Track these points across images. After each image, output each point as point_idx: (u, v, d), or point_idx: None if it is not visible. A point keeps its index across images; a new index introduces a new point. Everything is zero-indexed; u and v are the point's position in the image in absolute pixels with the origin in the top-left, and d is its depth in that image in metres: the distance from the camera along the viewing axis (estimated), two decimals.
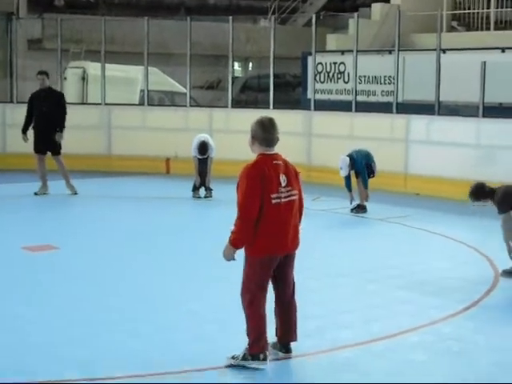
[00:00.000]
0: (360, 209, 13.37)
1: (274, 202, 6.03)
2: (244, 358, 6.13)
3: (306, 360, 6.41)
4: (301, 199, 6.34)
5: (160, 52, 21.31)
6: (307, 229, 11.53)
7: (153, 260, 9.74)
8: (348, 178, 13.34)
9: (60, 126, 14.52)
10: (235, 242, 6.03)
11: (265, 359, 6.12)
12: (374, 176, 13.39)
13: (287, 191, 6.12)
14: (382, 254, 10.61)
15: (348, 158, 13.20)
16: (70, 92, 20.57)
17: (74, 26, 22.04)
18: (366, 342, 6.84)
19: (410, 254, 10.66)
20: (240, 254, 6.15)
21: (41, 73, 14.82)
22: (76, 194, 14.62)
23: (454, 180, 14.65)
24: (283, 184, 6.10)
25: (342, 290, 8.63)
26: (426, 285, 8.89)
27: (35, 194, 14.48)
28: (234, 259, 6.11)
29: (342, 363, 6.36)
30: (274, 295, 6.36)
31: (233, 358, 6.17)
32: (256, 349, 6.11)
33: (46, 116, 14.47)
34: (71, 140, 16.57)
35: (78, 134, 17.61)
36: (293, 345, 6.47)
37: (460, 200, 12.73)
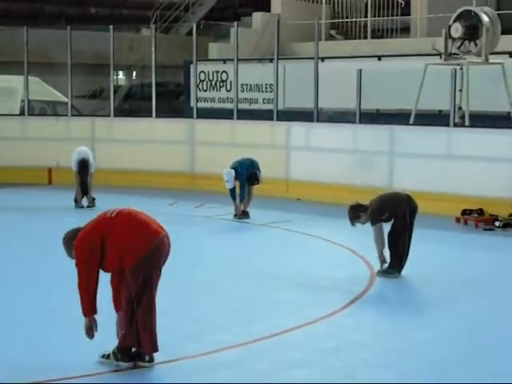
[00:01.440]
0: (243, 215, 13.57)
1: (113, 215, 6.33)
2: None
3: (186, 362, 6.50)
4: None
5: (41, 61, 21.08)
6: (191, 235, 11.76)
7: (33, 272, 9.67)
8: (233, 190, 13.52)
9: None
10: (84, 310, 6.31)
11: (151, 360, 6.31)
12: (258, 183, 13.60)
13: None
14: (262, 257, 10.82)
15: (233, 171, 13.37)
16: None
17: None
18: (246, 343, 6.99)
19: (291, 256, 10.90)
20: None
21: None
22: None
23: (333, 185, 15.03)
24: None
25: (221, 294, 8.76)
26: (304, 285, 9.13)
27: None
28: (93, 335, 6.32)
29: (221, 364, 6.49)
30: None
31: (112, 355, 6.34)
32: (145, 347, 6.32)
33: None
34: None
35: None
36: (173, 347, 6.58)
37: (339, 204, 13.09)
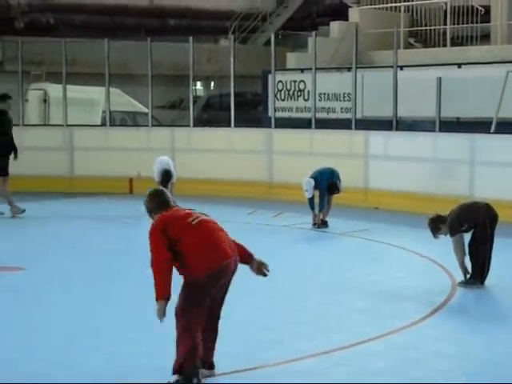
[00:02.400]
0: (322, 224, 13.55)
1: (194, 222, 6.16)
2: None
3: (267, 369, 6.53)
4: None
5: (121, 73, 21.42)
6: (270, 244, 11.79)
7: (115, 280, 9.82)
8: (312, 199, 13.52)
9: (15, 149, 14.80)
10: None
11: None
12: (339, 192, 13.56)
13: (201, 215, 6.31)
14: (342, 266, 10.80)
15: (313, 180, 13.36)
16: (32, 114, 20.63)
17: (35, 48, 22.07)
18: (325, 352, 6.98)
19: (369, 265, 10.86)
20: None
21: (8, 97, 15.09)
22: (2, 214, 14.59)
23: (412, 194, 14.92)
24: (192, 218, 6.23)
25: (300, 303, 8.78)
26: (384, 295, 9.09)
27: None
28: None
29: (301, 371, 6.50)
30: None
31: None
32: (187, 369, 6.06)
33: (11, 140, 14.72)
34: (33, 161, 16.70)
35: (40, 155, 17.69)
36: (253, 354, 6.61)
37: (418, 213, 13.00)
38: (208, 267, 6.03)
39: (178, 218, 6.20)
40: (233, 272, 6.18)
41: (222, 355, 6.38)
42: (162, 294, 5.97)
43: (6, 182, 14.66)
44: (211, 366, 6.31)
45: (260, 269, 6.40)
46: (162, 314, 5.98)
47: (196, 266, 6.05)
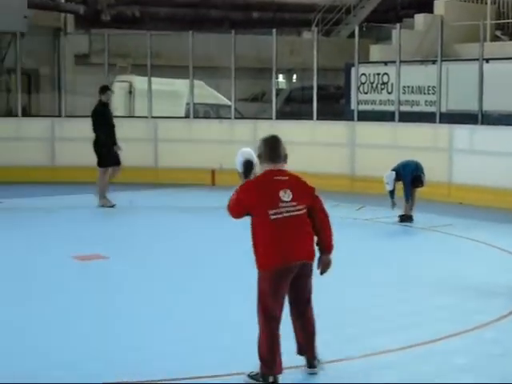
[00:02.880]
0: (407, 218, 13.42)
1: (273, 217, 6.00)
2: (253, 377, 6.02)
3: (351, 362, 6.52)
4: (319, 211, 6.29)
5: (205, 65, 21.56)
6: (352, 238, 11.76)
7: (197, 271, 9.92)
8: (393, 192, 13.39)
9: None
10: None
11: (274, 382, 5.96)
12: (422, 186, 13.40)
13: (291, 206, 6.07)
14: (424, 261, 10.70)
15: (394, 173, 13.25)
16: (118, 105, 20.92)
17: (121, 41, 22.37)
18: (410, 347, 6.94)
19: (453, 261, 10.73)
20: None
21: (109, 88, 15.52)
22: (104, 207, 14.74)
23: (497, 189, 14.68)
24: (286, 199, 6.06)
25: (383, 298, 8.73)
26: (468, 290, 8.99)
27: (102, 206, 14.73)
28: None
29: (384, 366, 6.48)
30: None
31: (249, 375, 6.08)
32: (265, 370, 5.99)
33: (114, 130, 15.04)
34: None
35: (125, 146, 17.92)
36: (337, 348, 6.60)
37: (503, 208, 12.81)
38: (272, 264, 5.96)
39: (266, 196, 6.09)
40: (302, 272, 6.06)
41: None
42: None
43: (116, 172, 15.10)
44: (310, 365, 6.26)
45: (322, 267, 6.27)
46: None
47: (263, 257, 6.01)
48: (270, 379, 5.93)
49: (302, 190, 6.22)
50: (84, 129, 18.40)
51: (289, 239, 5.99)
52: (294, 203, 6.09)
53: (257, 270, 6.09)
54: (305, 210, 6.15)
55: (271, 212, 6.01)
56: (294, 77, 29.73)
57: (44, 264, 10.13)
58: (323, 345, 6.37)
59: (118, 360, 6.55)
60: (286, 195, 6.08)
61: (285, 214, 6.03)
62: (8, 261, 10.32)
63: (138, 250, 11.14)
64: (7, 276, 9.50)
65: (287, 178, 6.20)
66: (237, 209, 6.20)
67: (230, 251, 10.69)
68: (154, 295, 8.67)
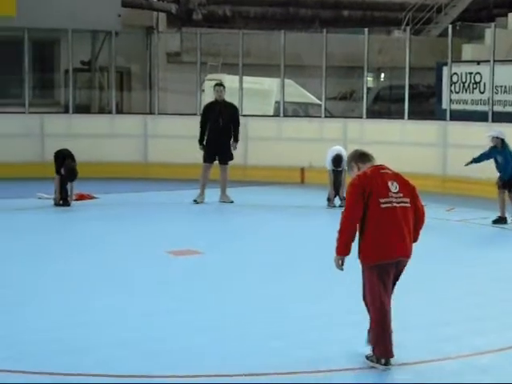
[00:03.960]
0: (500, 220, 13.23)
1: (383, 206, 6.21)
2: (370, 359, 6.35)
3: (449, 362, 6.49)
4: (419, 209, 6.43)
5: (293, 64, 21.62)
6: (444, 239, 11.67)
7: (288, 268, 9.98)
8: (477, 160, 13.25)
9: (236, 137, 15.08)
10: (336, 249, 6.34)
11: (386, 364, 6.25)
12: None
13: (398, 197, 6.29)
14: None
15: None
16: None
17: (212, 40, 22.61)
18: (503, 349, 6.87)
19: None
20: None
21: (219, 84, 15.35)
22: (228, 202, 14.99)
23: None
24: (393, 190, 6.28)
25: (479, 297, 8.64)
26: None
27: (195, 201, 14.81)
28: (341, 268, 6.32)
29: (483, 368, 6.44)
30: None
31: (367, 357, 6.39)
32: (377, 351, 6.31)
33: (222, 128, 14.89)
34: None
35: None
36: (433, 347, 6.59)
37: None
38: (375, 258, 6.22)
39: (377, 185, 6.27)
40: (400, 268, 6.35)
41: (400, 347, 6.43)
42: (340, 252, 6.29)
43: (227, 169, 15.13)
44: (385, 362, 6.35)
45: None
46: (337, 265, 6.33)
47: (369, 249, 6.23)
48: (383, 361, 6.25)
49: (406, 184, 6.43)
50: (175, 126, 18.75)
51: (394, 233, 6.21)
52: (401, 194, 6.31)
53: (360, 264, 6.32)
54: (410, 205, 6.33)
55: (382, 200, 6.23)
56: (382, 76, 29.56)
57: (140, 258, 10.34)
58: (418, 343, 6.35)
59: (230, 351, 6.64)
60: (393, 186, 6.30)
61: (394, 204, 6.25)
62: (106, 254, 10.58)
63: (231, 246, 11.29)
64: (106, 269, 9.72)
65: (391, 172, 6.44)
66: (351, 202, 6.27)
67: (320, 249, 10.70)
68: (250, 290, 8.76)
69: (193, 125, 15.90)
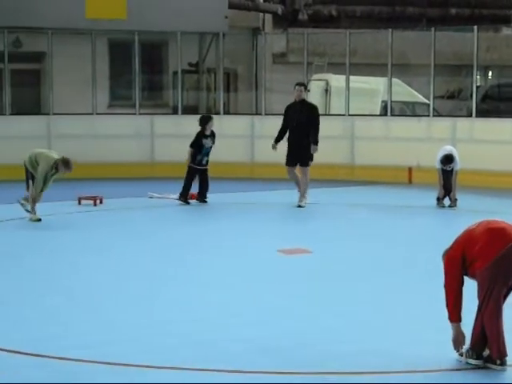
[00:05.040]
0: None
1: None
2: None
3: None
4: None
5: (399, 63, 21.47)
6: None
7: (397, 270, 9.93)
8: None
9: (315, 138, 14.51)
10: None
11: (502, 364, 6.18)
12: None
13: None
14: None
15: None
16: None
17: (317, 40, 22.63)
18: None
19: None
20: None
21: (300, 84, 15.02)
22: (302, 207, 14.39)
23: None
24: None
25: None
26: None
27: (299, 206, 14.38)
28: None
29: None
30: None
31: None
32: (495, 354, 6.20)
33: (300, 128, 14.47)
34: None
35: (322, 144, 18.11)
36: None
37: None
38: (499, 247, 6.10)
39: (460, 237, 6.29)
40: None
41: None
42: (453, 317, 6.24)
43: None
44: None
45: None
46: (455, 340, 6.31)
47: (486, 250, 6.12)
48: (498, 362, 6.17)
49: None
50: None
51: None
52: None
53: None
54: None
55: None
56: (490, 74, 29.08)
57: (252, 257, 10.46)
58: None
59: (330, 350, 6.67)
60: None
61: None
62: (216, 251, 10.74)
63: (340, 245, 11.28)
64: (220, 267, 9.88)
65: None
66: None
67: (429, 250, 10.62)
68: (354, 290, 8.78)
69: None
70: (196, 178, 14.95)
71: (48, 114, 19.28)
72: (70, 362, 6.28)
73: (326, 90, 21.88)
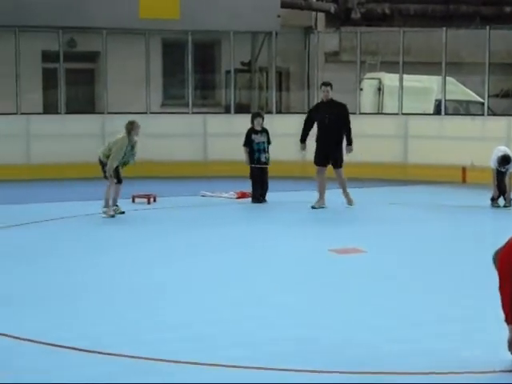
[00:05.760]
0: None
1: None
2: None
3: None
4: None
5: (452, 61, 21.29)
6: None
7: (446, 270, 9.88)
8: None
9: (348, 139, 14.31)
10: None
11: None
12: None
13: None
14: None
15: None
16: (367, 102, 21.11)
17: (370, 38, 22.54)
18: None
19: None
20: None
21: (326, 84, 14.66)
22: (351, 205, 14.31)
23: None
24: None
25: None
26: None
27: (312, 207, 14.22)
28: None
29: None
30: None
31: None
32: None
33: (329, 129, 14.19)
34: (368, 149, 17.12)
35: (375, 143, 18.13)
36: None
37: None
38: None
39: None
40: None
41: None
42: (510, 319, 6.11)
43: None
44: None
45: None
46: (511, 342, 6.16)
47: None
48: None
49: None
50: None
51: None
52: None
53: None
54: None
55: None
56: None
57: (303, 256, 10.47)
58: None
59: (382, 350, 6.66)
60: None
61: None
62: (268, 250, 10.79)
63: (394, 245, 11.25)
64: (271, 267, 9.90)
65: None
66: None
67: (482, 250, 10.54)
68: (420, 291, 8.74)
69: (352, 124, 15.81)
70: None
71: (103, 113, 19.51)
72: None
73: (379, 89, 21.81)
